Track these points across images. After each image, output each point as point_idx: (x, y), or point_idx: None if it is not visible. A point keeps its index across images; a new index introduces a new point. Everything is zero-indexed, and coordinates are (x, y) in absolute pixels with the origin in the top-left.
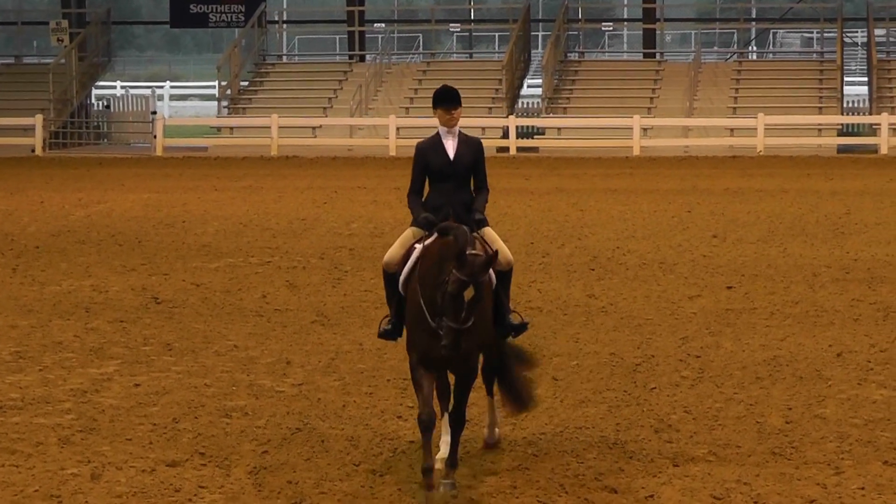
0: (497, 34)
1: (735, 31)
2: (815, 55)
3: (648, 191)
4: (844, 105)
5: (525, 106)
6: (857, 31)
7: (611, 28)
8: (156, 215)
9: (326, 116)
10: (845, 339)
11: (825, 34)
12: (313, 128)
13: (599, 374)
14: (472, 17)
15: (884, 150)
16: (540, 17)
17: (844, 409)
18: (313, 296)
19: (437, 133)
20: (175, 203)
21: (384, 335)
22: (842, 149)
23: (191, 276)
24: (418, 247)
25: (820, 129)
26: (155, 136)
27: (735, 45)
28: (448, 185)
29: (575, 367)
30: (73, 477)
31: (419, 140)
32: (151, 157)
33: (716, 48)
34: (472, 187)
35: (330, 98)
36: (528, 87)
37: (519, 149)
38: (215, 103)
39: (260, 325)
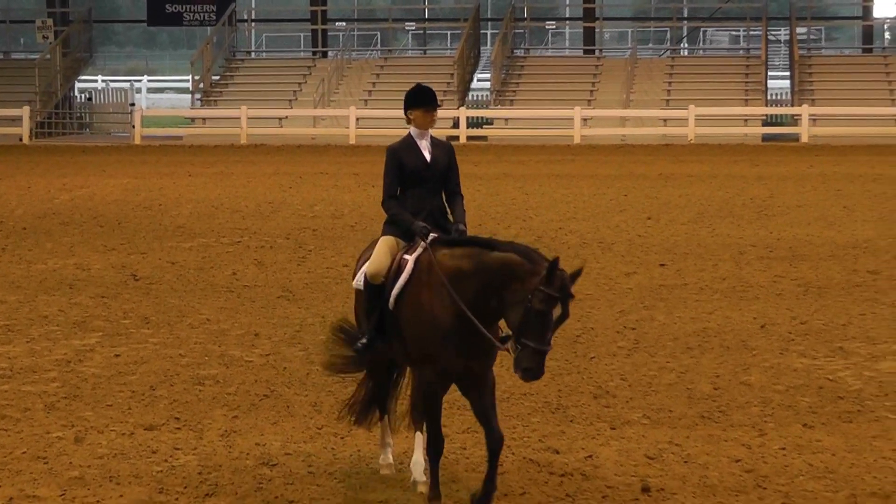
0: (449, 32)
1: (668, 29)
2: (741, 52)
3: (588, 176)
4: (768, 97)
5: (475, 98)
6: (780, 30)
7: (554, 26)
8: (134, 199)
9: (291, 108)
10: (769, 312)
11: (751, 32)
12: (279, 118)
13: None
14: (427, 17)
15: (805, 139)
16: (489, 17)
17: (768, 376)
18: (279, 273)
19: (409, 135)
20: (152, 188)
21: (363, 351)
22: (766, 137)
23: (167, 254)
24: (408, 258)
25: (746, 120)
26: (133, 126)
27: (668, 42)
28: (423, 190)
29: None
30: (58, 440)
31: (390, 145)
32: (130, 145)
33: (650, 45)
34: (443, 192)
35: (295, 91)
36: (478, 80)
37: (469, 137)
38: (189, 96)
39: (230, 300)
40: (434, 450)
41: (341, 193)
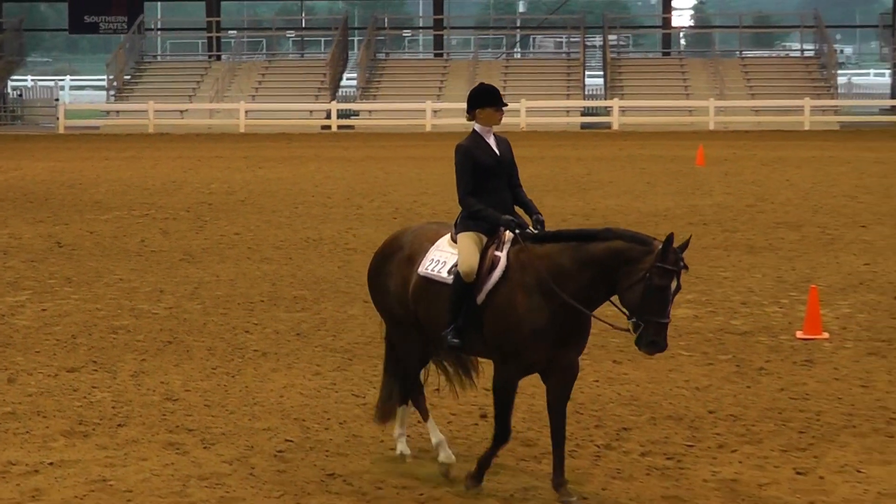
0: (323, 39)
1: (504, 36)
2: (564, 55)
3: (438, 158)
4: (585, 93)
5: (344, 94)
6: (595, 37)
7: (410, 34)
8: (59, 179)
9: (191, 102)
10: None
11: (571, 39)
12: (181, 111)
13: None
14: (304, 26)
15: (615, 127)
16: (356, 26)
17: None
18: (181, 240)
19: (475, 133)
20: (74, 170)
21: (456, 348)
22: (584, 126)
23: (86, 225)
24: (499, 254)
25: (567, 112)
26: (58, 118)
27: (504, 47)
28: (496, 184)
29: None
30: None
31: (459, 143)
32: (55, 134)
33: (490, 49)
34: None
35: (194, 88)
36: (347, 79)
37: (339, 127)
38: (105, 92)
39: (140, 263)
40: (501, 438)
41: (233, 174)
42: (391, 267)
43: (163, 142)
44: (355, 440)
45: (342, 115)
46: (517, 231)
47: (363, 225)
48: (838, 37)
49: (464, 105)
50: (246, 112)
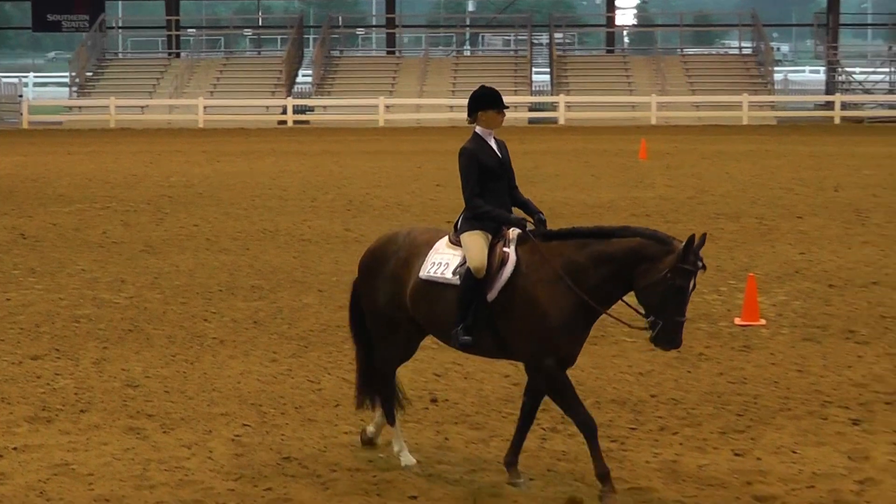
0: (279, 37)
1: (454, 34)
2: (511, 52)
3: (390, 152)
4: (533, 89)
5: (299, 90)
6: (542, 35)
7: (363, 32)
8: (23, 172)
9: (151, 98)
10: None
11: (519, 37)
12: (141, 107)
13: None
14: (261, 24)
15: (561, 122)
16: (311, 24)
17: None
18: (142, 231)
19: (477, 135)
20: (38, 164)
21: (467, 346)
22: (531, 121)
23: (49, 217)
24: (508, 251)
25: (515, 107)
26: (22, 114)
27: (454, 45)
28: (499, 186)
29: (336, 281)
30: None
31: (464, 146)
32: (19, 129)
33: (440, 47)
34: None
35: (154, 85)
36: (302, 76)
37: (295, 122)
38: (68, 89)
39: (101, 254)
40: (587, 430)
41: (192, 167)
42: (386, 270)
43: (124, 137)
44: (311, 424)
45: (298, 110)
46: (530, 228)
47: (318, 217)
48: (775, 35)
49: (415, 101)
50: (204, 108)
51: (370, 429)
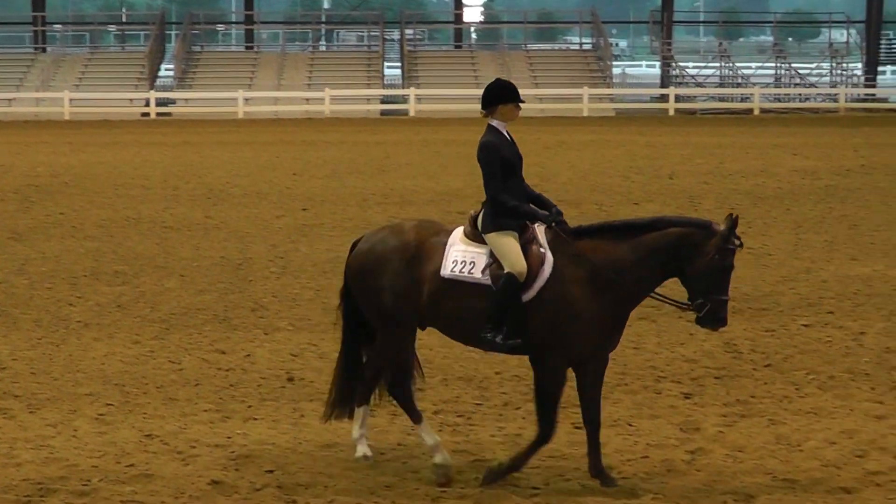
0: (142, 32)
1: (310, 31)
2: (365, 48)
3: (249, 143)
4: (385, 82)
5: (161, 84)
6: (394, 31)
7: (223, 28)
8: None
9: (18, 92)
10: None
11: (371, 33)
12: (8, 100)
13: (213, 272)
14: (125, 20)
15: (412, 114)
16: (173, 20)
17: None
18: (9, 220)
19: (494, 128)
20: None
21: (516, 349)
22: (383, 113)
23: None
24: (544, 251)
25: (368, 100)
26: None
27: (310, 41)
28: (517, 179)
29: (196, 266)
30: None
31: (484, 139)
32: None
33: (297, 43)
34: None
35: (20, 78)
36: (164, 70)
37: (157, 114)
38: None
39: None
40: (545, 437)
41: (58, 158)
42: (389, 269)
43: None
44: (172, 403)
45: (160, 103)
46: (558, 225)
47: (179, 205)
48: (614, 31)
49: (273, 94)
50: (70, 100)
51: (356, 432)
